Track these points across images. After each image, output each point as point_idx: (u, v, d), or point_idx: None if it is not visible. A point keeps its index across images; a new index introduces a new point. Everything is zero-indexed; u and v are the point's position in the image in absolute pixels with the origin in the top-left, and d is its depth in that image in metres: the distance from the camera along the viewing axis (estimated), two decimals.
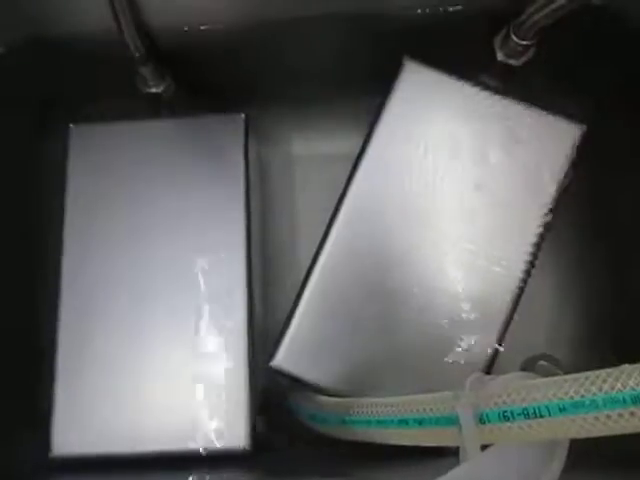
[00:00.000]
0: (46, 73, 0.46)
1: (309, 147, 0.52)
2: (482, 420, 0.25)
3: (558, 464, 0.25)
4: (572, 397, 0.22)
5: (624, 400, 0.20)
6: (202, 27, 0.42)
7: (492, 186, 0.39)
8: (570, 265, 0.49)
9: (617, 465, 0.33)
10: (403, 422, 0.29)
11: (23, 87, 0.46)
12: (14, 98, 0.45)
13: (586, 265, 0.49)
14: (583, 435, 0.22)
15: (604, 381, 0.21)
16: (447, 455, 0.28)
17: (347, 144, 0.42)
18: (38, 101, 0.48)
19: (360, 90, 0.45)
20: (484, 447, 0.25)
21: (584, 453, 0.26)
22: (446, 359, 0.37)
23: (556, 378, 0.23)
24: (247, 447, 0.38)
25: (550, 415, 0.22)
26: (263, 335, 0.44)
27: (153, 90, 0.44)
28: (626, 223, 0.47)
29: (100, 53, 0.42)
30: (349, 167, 0.40)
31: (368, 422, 0.31)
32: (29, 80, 0.46)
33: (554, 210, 0.39)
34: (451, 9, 0.41)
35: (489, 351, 0.37)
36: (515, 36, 0.38)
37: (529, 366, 0.33)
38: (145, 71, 0.42)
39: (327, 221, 0.40)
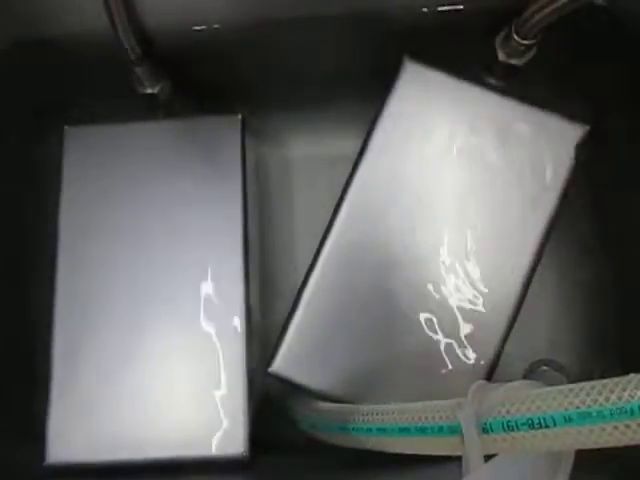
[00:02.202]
0: (41, 74, 0.45)
1: (307, 148, 0.51)
2: (485, 430, 0.24)
3: (564, 474, 0.25)
4: (578, 407, 0.21)
5: (632, 411, 0.20)
6: (199, 27, 0.41)
7: (493, 187, 0.39)
8: (572, 269, 0.48)
9: (622, 475, 0.33)
10: (405, 430, 0.28)
11: (18, 88, 0.45)
12: (8, 99, 0.45)
13: (588, 269, 0.48)
14: (589, 446, 0.22)
15: (611, 391, 0.21)
16: (450, 461, 0.28)
17: (346, 145, 0.42)
18: (33, 102, 0.47)
19: (360, 90, 0.44)
20: (488, 457, 0.25)
21: (590, 463, 0.26)
22: (447, 366, 0.37)
23: (561, 387, 0.23)
24: (246, 453, 0.38)
25: (555, 425, 0.22)
26: (262, 339, 0.43)
27: (149, 91, 0.43)
28: (628, 225, 0.47)
29: (95, 53, 0.42)
30: (348, 168, 0.40)
31: (369, 430, 0.31)
32: (24, 81, 0.45)
33: (556, 212, 0.38)
34: (452, 8, 0.40)
35: (491, 357, 0.37)
36: (517, 35, 0.38)
37: (532, 372, 0.33)
38: (141, 71, 0.41)
39: (326, 223, 0.39)
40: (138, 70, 0.41)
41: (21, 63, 0.43)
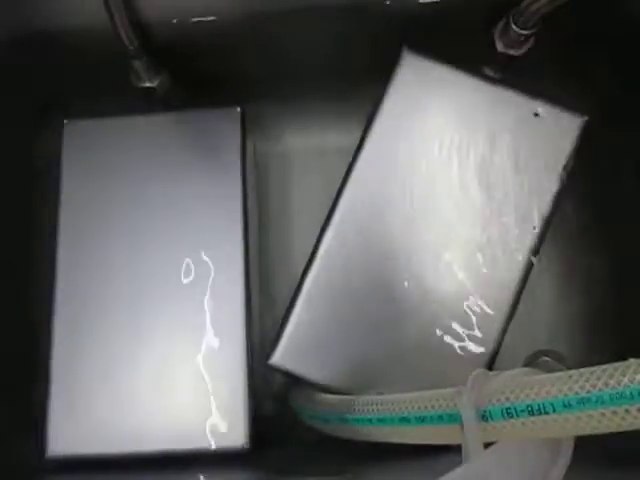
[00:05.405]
0: (39, 69, 0.45)
1: (306, 141, 0.51)
2: (485, 417, 0.24)
3: (564, 461, 0.24)
4: (577, 393, 0.21)
5: (631, 395, 0.20)
6: (196, 19, 0.41)
7: (492, 178, 0.39)
8: (571, 260, 0.48)
9: (622, 462, 0.33)
10: (404, 420, 0.28)
11: (16, 83, 0.45)
12: (7, 94, 0.45)
13: (587, 259, 0.48)
14: (588, 432, 0.22)
15: (610, 376, 0.21)
16: (452, 451, 0.28)
17: (345, 137, 0.42)
18: (31, 97, 0.47)
19: (359, 82, 0.44)
20: (488, 445, 0.25)
21: (588, 449, 0.25)
22: (447, 355, 0.37)
23: (560, 374, 0.23)
24: (246, 446, 0.38)
25: (555, 412, 0.22)
26: (262, 332, 0.43)
27: (147, 84, 0.43)
28: (628, 214, 0.47)
29: (93, 47, 0.42)
30: (347, 161, 0.39)
31: (369, 420, 0.31)
32: (22, 76, 0.45)
33: (556, 203, 0.38)
34: None
35: (491, 347, 0.37)
36: (515, 25, 0.38)
37: (532, 362, 0.33)
38: (139, 65, 0.41)
39: (324, 216, 0.39)
40: (136, 63, 0.41)
41: (20, 58, 0.43)
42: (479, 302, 0.37)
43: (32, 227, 0.46)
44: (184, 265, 0.40)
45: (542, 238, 0.38)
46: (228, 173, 0.42)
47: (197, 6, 0.41)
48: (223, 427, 0.38)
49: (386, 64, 0.40)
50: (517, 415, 0.23)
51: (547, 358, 0.33)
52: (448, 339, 0.37)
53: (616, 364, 0.21)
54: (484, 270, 0.37)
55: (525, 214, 0.38)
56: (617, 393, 0.20)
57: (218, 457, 0.38)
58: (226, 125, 0.43)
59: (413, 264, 0.38)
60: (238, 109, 0.43)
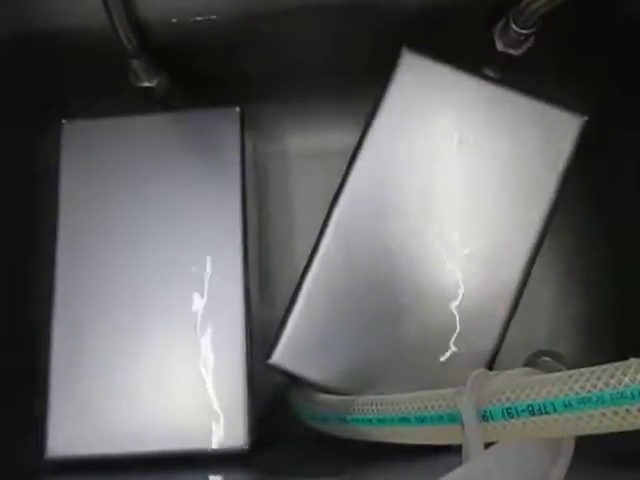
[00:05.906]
0: (37, 69, 0.45)
1: (306, 141, 0.51)
2: (485, 417, 0.24)
3: (564, 461, 0.24)
4: (578, 393, 0.21)
5: (632, 395, 0.20)
6: (196, 18, 0.41)
7: (493, 178, 0.38)
8: (571, 260, 0.48)
9: (623, 462, 0.33)
10: (404, 420, 0.28)
11: (14, 84, 0.45)
12: (6, 94, 0.45)
13: (587, 259, 0.48)
14: (589, 432, 0.22)
15: (611, 376, 0.21)
16: (452, 451, 0.28)
17: (345, 138, 0.42)
18: (29, 98, 0.47)
19: (359, 82, 0.44)
20: (488, 445, 0.24)
21: (589, 449, 0.25)
22: (447, 355, 0.37)
23: (561, 373, 0.23)
24: (246, 446, 0.38)
25: (555, 411, 0.22)
26: (261, 332, 0.43)
27: (146, 84, 0.43)
28: (628, 213, 0.46)
29: (92, 47, 0.42)
30: (347, 161, 0.39)
31: (369, 420, 0.30)
32: (20, 77, 0.45)
33: (556, 203, 0.38)
34: None
35: (491, 347, 0.37)
36: (515, 25, 0.38)
37: (532, 362, 0.33)
38: (138, 64, 0.41)
39: (324, 216, 0.39)
40: (135, 63, 0.41)
41: (19, 57, 0.43)
42: (479, 302, 0.37)
43: (32, 228, 0.46)
44: (183, 265, 0.40)
45: (542, 238, 0.38)
46: (227, 173, 0.42)
47: (196, 5, 0.41)
48: (223, 427, 0.38)
49: (386, 64, 0.40)
50: (518, 415, 0.23)
51: (547, 358, 0.33)
52: (448, 340, 0.37)
53: (617, 364, 0.21)
54: (484, 270, 0.37)
55: (525, 214, 0.38)
56: (618, 393, 0.20)
57: (218, 457, 0.38)
58: (225, 125, 0.42)
59: (413, 264, 0.38)
60: (237, 109, 0.43)
